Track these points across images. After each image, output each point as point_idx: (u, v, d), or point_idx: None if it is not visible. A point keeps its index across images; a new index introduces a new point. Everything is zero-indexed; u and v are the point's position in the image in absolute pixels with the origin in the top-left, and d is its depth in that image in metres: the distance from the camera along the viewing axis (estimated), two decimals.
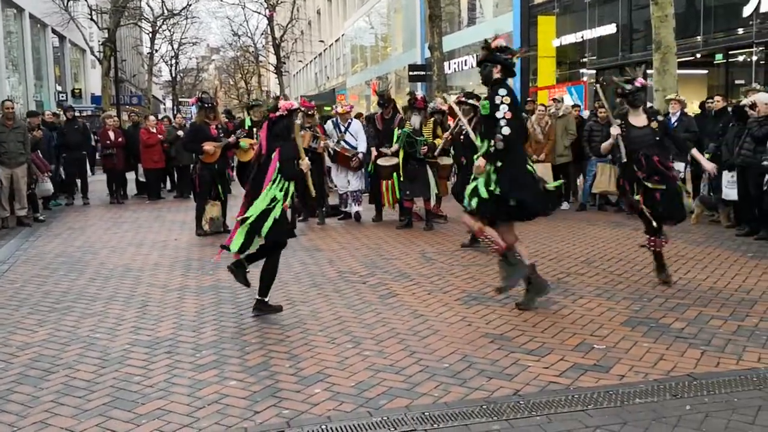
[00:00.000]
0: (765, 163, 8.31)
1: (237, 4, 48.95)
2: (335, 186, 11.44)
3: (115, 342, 5.07)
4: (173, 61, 57.39)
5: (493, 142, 5.37)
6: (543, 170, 11.34)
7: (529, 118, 11.83)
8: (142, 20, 42.06)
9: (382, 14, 40.21)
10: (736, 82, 16.15)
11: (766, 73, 15.18)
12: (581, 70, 22.13)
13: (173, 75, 59.78)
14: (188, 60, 66.71)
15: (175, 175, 15.72)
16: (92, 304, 6.13)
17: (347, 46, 48.50)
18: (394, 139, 9.76)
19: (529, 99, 14.66)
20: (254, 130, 10.08)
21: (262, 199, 5.39)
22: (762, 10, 14.69)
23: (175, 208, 12.90)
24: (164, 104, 71.89)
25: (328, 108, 20.45)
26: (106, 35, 29.85)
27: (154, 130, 14.22)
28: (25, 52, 27.27)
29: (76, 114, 15.62)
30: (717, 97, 10.36)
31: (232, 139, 9.68)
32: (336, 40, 51.04)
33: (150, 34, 46.24)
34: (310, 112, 10.52)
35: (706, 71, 17.81)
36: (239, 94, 67.41)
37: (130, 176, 14.99)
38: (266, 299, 5.66)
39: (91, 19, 32.09)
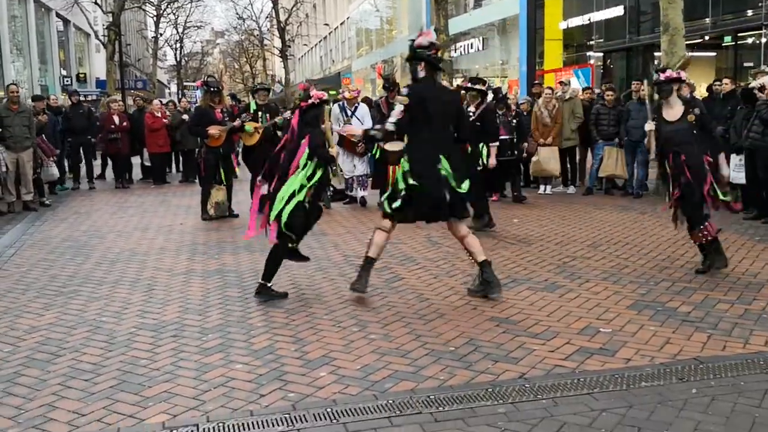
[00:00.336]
0: None
1: None
2: (341, 171, 11.40)
3: (122, 326, 5.09)
4: (178, 45, 57.24)
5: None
6: (550, 154, 11.32)
7: (536, 102, 11.77)
8: (147, 4, 41.88)
9: None
10: (745, 64, 16.03)
11: None
12: (588, 53, 21.98)
13: (178, 59, 59.62)
14: (193, 44, 66.58)
15: (181, 160, 15.73)
16: (98, 288, 6.15)
17: (352, 29, 48.26)
18: None
19: (536, 82, 14.55)
20: (259, 113, 10.05)
21: (290, 183, 5.50)
22: None
23: (181, 193, 12.91)
24: (169, 88, 71.83)
25: (334, 92, 20.36)
26: (111, 19, 29.70)
27: (159, 115, 14.20)
28: (29, 36, 27.22)
29: (81, 98, 15.59)
30: (725, 80, 10.26)
31: (237, 123, 9.65)
32: (341, 24, 50.79)
33: (154, 18, 46.04)
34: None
35: (714, 53, 17.66)
36: (244, 78, 67.24)
37: (136, 161, 14.99)
38: (269, 284, 5.66)
39: (96, 3, 31.96)
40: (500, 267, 6.59)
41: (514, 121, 10.85)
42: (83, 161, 14.26)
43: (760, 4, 15.11)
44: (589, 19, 21.01)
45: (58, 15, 31.32)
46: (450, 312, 5.23)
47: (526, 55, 23.94)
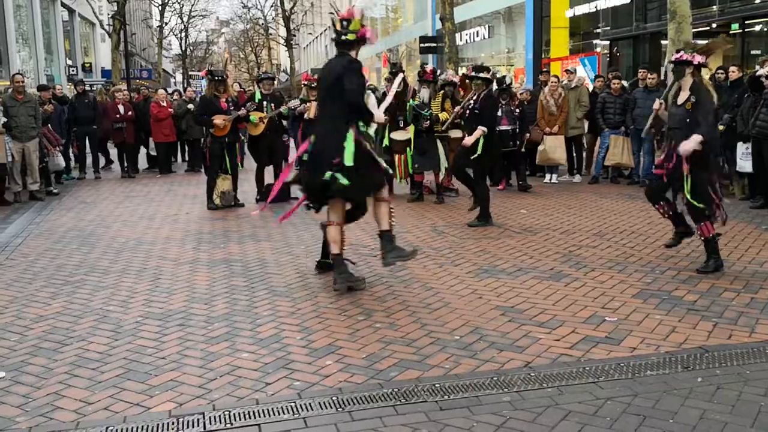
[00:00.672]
0: None
1: None
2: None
3: (128, 315, 5.11)
4: (183, 34, 57.17)
5: None
6: (556, 142, 11.28)
7: (543, 90, 11.72)
8: None
9: None
10: (753, 52, 15.90)
11: None
12: (595, 41, 21.85)
13: (183, 48, 59.57)
14: (198, 33, 66.59)
15: (186, 149, 15.73)
16: (105, 278, 6.17)
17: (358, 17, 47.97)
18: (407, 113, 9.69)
19: (544, 70, 14.46)
20: (264, 103, 10.04)
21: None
22: None
23: (186, 182, 12.93)
24: (174, 78, 71.75)
25: None
26: (116, 8, 29.68)
27: (165, 104, 14.21)
28: (35, 26, 27.17)
29: (87, 88, 15.58)
30: (732, 68, 10.19)
31: (242, 112, 9.64)
32: None
33: (159, 7, 46.00)
34: (313, 85, 10.41)
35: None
36: (249, 67, 67.14)
37: (141, 150, 15.00)
38: (328, 260, 5.82)
39: None
40: (506, 256, 6.59)
41: (517, 111, 10.82)
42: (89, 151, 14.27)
43: None
44: (596, 7, 20.85)
45: (63, 4, 31.25)
46: (455, 301, 5.24)
47: (532, 43, 23.81)
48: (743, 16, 15.88)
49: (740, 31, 16.17)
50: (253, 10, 53.72)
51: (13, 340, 4.63)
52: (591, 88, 12.33)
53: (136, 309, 5.24)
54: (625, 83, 12.19)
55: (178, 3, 49.07)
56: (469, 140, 7.94)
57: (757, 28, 16.05)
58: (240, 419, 3.44)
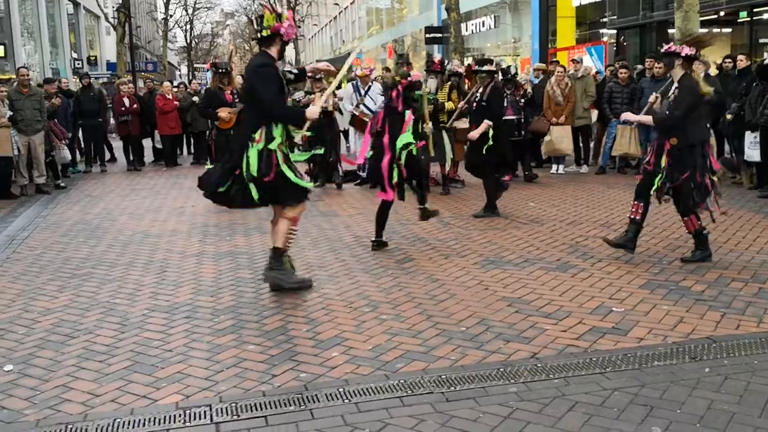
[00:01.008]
0: None
1: None
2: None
3: (135, 307, 5.12)
4: (188, 26, 57.11)
5: None
6: (562, 133, 11.23)
7: (549, 80, 11.66)
8: None
9: None
10: (761, 40, 15.77)
11: None
12: (601, 30, 21.71)
13: (188, 41, 59.52)
14: (203, 25, 66.40)
15: (192, 142, 15.73)
16: (111, 271, 6.18)
17: (362, 8, 47.88)
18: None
19: (554, 60, 14.37)
20: None
21: (401, 140, 6.45)
22: None
23: (192, 175, 12.88)
24: (179, 70, 71.73)
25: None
26: (120, 1, 29.63)
27: (170, 97, 14.20)
28: (40, 19, 27.21)
29: (92, 81, 15.60)
30: (740, 56, 10.11)
31: None
32: (351, 3, 50.38)
33: (164, 0, 45.93)
34: (317, 77, 10.37)
35: (729, 29, 17.39)
36: None
37: (147, 143, 15.01)
38: (382, 238, 6.59)
39: None
40: (512, 247, 6.57)
41: (522, 101, 10.77)
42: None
43: None
44: None
45: None
46: (461, 292, 5.23)
47: (538, 32, 23.68)
48: (751, 4, 15.73)
49: (748, 19, 16.04)
50: (258, 1, 53.48)
51: (21, 333, 4.65)
52: (601, 76, 12.24)
53: (142, 302, 5.25)
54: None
55: None
56: (474, 134, 7.91)
57: (766, 16, 15.90)
58: (247, 411, 3.45)
